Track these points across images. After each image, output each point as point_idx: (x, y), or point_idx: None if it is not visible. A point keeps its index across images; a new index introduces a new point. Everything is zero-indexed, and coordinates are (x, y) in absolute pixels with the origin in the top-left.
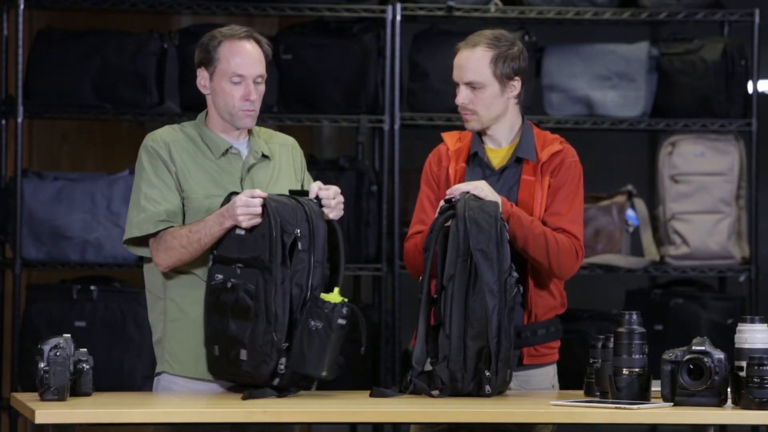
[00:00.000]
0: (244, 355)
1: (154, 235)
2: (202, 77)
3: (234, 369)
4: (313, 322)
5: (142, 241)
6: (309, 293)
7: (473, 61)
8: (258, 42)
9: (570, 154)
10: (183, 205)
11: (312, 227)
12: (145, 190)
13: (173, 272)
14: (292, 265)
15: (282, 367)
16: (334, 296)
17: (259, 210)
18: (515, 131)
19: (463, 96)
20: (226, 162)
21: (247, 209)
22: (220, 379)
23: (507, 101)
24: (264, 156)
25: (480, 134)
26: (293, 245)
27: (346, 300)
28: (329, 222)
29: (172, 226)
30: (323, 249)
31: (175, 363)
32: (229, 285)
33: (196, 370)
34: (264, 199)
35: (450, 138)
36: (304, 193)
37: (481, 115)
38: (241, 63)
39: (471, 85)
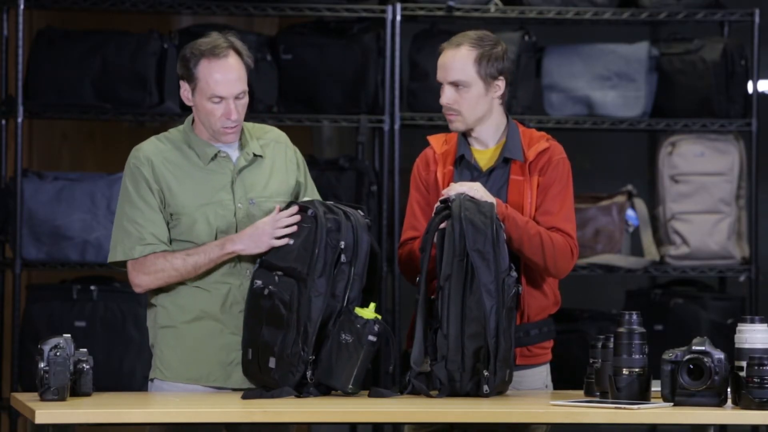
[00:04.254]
0: (272, 363)
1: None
2: (185, 89)
3: (263, 375)
4: (343, 336)
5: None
6: (344, 305)
7: (458, 61)
8: (239, 54)
9: (557, 151)
10: (169, 222)
11: (356, 239)
12: (127, 211)
13: None
14: (333, 276)
15: (309, 377)
16: (368, 312)
17: (291, 224)
18: (501, 131)
19: (447, 96)
20: (215, 166)
21: (282, 224)
22: (252, 383)
23: (491, 101)
24: (256, 155)
25: (466, 136)
26: (338, 258)
27: (379, 317)
28: (371, 245)
29: (156, 250)
30: (364, 263)
31: (165, 369)
32: (266, 292)
33: (187, 376)
34: (313, 207)
35: (436, 141)
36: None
37: (466, 115)
38: (221, 83)
39: (455, 85)
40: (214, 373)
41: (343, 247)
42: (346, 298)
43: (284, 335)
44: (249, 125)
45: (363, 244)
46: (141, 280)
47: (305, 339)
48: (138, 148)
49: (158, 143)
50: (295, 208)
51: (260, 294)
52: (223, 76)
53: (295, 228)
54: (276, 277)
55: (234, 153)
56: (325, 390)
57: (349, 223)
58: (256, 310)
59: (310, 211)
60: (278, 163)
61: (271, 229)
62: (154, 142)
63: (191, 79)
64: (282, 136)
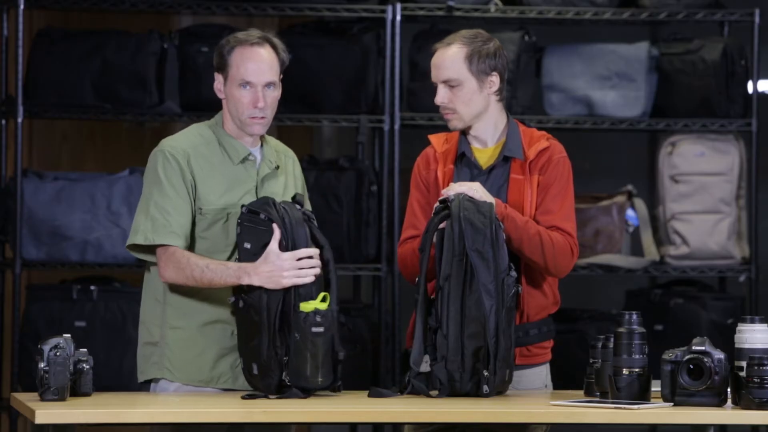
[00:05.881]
0: (255, 369)
1: (162, 245)
2: (218, 81)
3: (254, 381)
4: (295, 334)
5: (148, 246)
6: (294, 303)
7: (448, 59)
8: (274, 47)
9: (557, 150)
10: (195, 215)
11: (293, 235)
12: (156, 197)
13: None
14: None
15: (286, 380)
16: (310, 305)
17: (310, 273)
18: (500, 130)
19: (441, 95)
20: (242, 169)
21: (297, 271)
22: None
23: (487, 98)
24: (276, 166)
25: (466, 135)
26: None
27: (322, 307)
28: (315, 238)
29: (176, 246)
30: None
31: (176, 371)
32: (241, 304)
33: (198, 378)
34: (264, 212)
35: (437, 140)
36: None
37: (462, 113)
38: (251, 69)
39: (448, 84)
40: (225, 375)
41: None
42: (296, 295)
43: (259, 341)
44: (266, 135)
45: (300, 238)
46: (167, 272)
47: (276, 341)
48: (173, 138)
49: (191, 137)
50: (315, 251)
51: (237, 306)
52: (254, 63)
53: (318, 270)
54: (246, 285)
55: (258, 158)
56: (312, 390)
57: (282, 221)
58: (238, 320)
59: (262, 215)
60: (290, 177)
61: (290, 271)
62: (187, 135)
63: (224, 67)
64: (289, 151)
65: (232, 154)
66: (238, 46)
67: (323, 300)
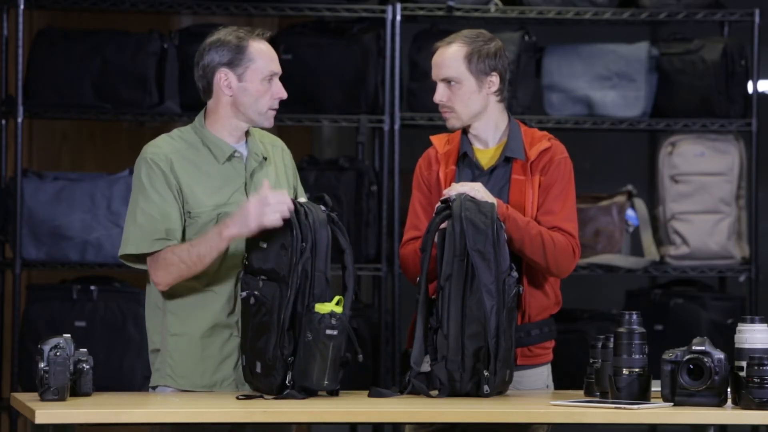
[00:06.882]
0: (259, 367)
1: (152, 252)
2: (227, 78)
3: (255, 380)
4: (308, 334)
5: (140, 256)
6: (307, 304)
7: (448, 58)
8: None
9: (559, 150)
10: (185, 219)
11: (314, 237)
12: (142, 205)
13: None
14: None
15: (289, 381)
16: (326, 306)
17: (285, 208)
18: (501, 130)
19: (440, 93)
20: (230, 167)
21: (278, 206)
22: (250, 388)
23: (486, 98)
24: (264, 158)
25: (467, 135)
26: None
27: (338, 310)
28: (338, 242)
29: (170, 245)
30: (326, 258)
31: (178, 378)
32: (252, 301)
33: (202, 384)
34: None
35: (439, 141)
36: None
37: (460, 111)
38: (275, 61)
39: (447, 82)
40: (228, 380)
41: (303, 247)
42: (310, 295)
43: (267, 339)
44: (251, 128)
45: (322, 240)
46: (158, 277)
47: (284, 341)
48: (154, 144)
49: (173, 141)
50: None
51: (246, 302)
52: (273, 56)
53: (285, 210)
54: (260, 282)
55: (244, 154)
56: (313, 392)
57: (307, 221)
58: (246, 317)
59: None
60: (280, 167)
61: (256, 211)
62: (167, 140)
63: (241, 62)
64: (278, 140)
65: (217, 154)
66: (251, 40)
67: (338, 303)
